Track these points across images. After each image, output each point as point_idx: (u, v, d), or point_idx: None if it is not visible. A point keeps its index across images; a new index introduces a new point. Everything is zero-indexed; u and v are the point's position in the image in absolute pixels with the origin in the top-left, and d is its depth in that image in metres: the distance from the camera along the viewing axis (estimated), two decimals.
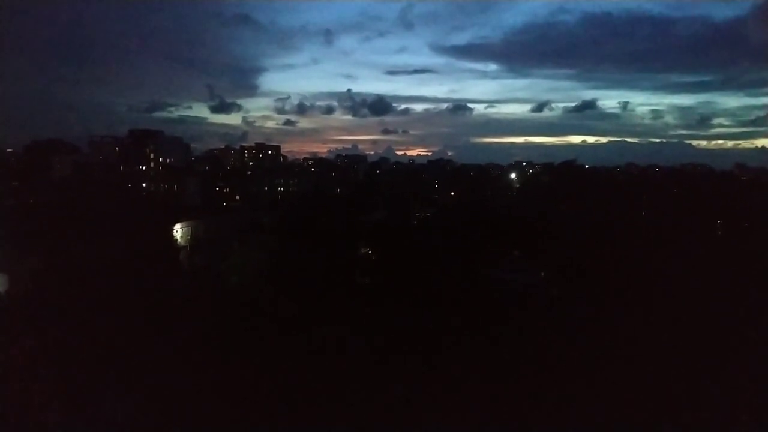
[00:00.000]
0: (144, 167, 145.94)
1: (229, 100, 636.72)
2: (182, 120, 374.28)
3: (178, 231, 71.16)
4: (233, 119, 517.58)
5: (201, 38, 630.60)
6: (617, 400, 26.06)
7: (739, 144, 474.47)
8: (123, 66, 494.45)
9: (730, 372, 27.81)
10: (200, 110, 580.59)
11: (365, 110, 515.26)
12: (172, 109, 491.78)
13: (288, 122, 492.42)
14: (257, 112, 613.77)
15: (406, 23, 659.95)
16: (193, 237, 72.45)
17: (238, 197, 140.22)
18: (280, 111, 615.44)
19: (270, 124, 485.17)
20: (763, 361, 28.41)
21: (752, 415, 25.00)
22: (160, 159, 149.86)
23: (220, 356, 29.52)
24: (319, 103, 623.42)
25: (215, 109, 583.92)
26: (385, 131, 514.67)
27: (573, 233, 65.42)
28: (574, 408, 26.06)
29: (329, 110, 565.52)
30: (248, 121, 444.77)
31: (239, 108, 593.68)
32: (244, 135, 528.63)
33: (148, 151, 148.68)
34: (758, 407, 25.09)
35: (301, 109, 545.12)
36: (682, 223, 74.02)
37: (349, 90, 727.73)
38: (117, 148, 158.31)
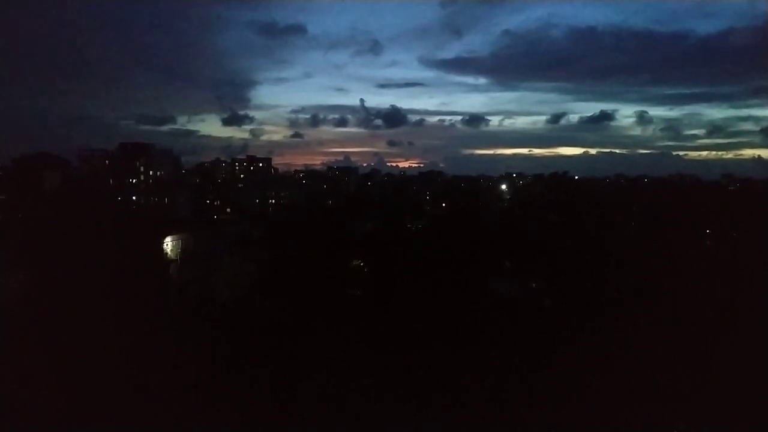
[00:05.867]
0: (134, 180, 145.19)
1: (222, 114, 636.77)
2: (175, 133, 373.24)
3: (169, 244, 70.68)
4: (227, 132, 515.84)
5: (192, 52, 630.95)
6: (609, 408, 26.10)
7: (726, 155, 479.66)
8: (116, 79, 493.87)
9: (720, 380, 27.95)
10: (193, 124, 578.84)
11: (360, 122, 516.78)
12: (179, 121, 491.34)
13: (281, 135, 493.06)
14: (250, 125, 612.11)
15: (396, 37, 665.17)
16: (184, 250, 71.95)
17: (228, 210, 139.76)
18: (274, 124, 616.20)
19: (264, 137, 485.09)
20: (754, 370, 28.59)
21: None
22: (150, 172, 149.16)
23: (210, 368, 29.29)
24: (313, 116, 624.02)
25: (208, 122, 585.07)
26: (384, 143, 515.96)
27: (564, 243, 65.72)
28: (566, 417, 26.04)
29: (321, 123, 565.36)
30: (246, 133, 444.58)
31: (232, 121, 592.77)
32: (238, 147, 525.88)
33: (138, 164, 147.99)
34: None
35: (294, 123, 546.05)
36: (672, 232, 74.56)
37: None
38: (107, 162, 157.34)
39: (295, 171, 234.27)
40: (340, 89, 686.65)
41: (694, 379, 28.40)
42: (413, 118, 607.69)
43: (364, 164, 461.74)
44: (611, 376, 29.21)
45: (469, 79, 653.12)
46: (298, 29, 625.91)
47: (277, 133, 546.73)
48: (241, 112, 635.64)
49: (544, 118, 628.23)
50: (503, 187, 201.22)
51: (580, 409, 26.42)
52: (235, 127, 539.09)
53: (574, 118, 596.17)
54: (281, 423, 25.99)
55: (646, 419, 25.83)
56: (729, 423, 24.90)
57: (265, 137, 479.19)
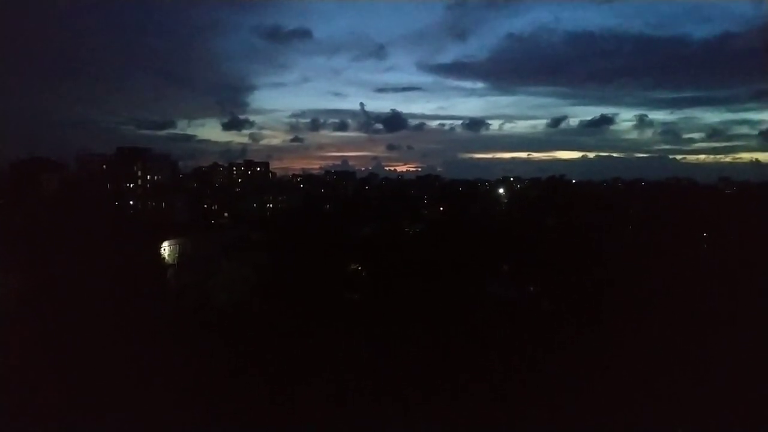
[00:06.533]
0: (131, 185, 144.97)
1: (221, 119, 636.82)
2: (174, 138, 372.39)
3: (166, 249, 70.59)
4: (226, 136, 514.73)
5: (192, 56, 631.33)
6: (608, 410, 26.10)
7: (723, 158, 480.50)
8: (116, 83, 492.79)
9: (719, 382, 27.98)
10: (193, 128, 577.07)
11: (359, 127, 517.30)
12: (179, 126, 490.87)
13: (280, 139, 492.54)
14: (249, 130, 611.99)
15: (393, 42, 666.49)
16: (181, 254, 71.82)
17: (226, 214, 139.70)
18: (273, 128, 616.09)
19: (263, 141, 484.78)
20: (753, 372, 28.64)
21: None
22: (148, 176, 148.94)
23: (207, 374, 29.22)
24: (312, 121, 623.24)
25: (207, 127, 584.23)
26: (382, 148, 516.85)
27: (561, 247, 65.80)
28: (566, 420, 26.03)
29: (320, 127, 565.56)
30: (245, 138, 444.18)
31: (232, 126, 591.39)
32: (237, 152, 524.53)
33: (135, 168, 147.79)
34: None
35: (294, 127, 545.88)
36: (669, 235, 74.72)
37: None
38: (104, 166, 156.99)
39: (293, 175, 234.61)
40: (338, 94, 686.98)
41: (692, 381, 28.41)
42: (412, 122, 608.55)
43: (362, 168, 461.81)
44: (610, 379, 29.21)
45: (468, 84, 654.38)
46: (301, 34, 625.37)
47: (275, 138, 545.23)
48: (241, 117, 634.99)
49: (542, 122, 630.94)
50: (501, 190, 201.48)
51: (580, 411, 26.41)
52: (234, 132, 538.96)
53: (573, 122, 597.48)
54: (280, 427, 25.92)
55: (645, 421, 25.84)
56: (729, 423, 24.92)
57: (264, 141, 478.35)
